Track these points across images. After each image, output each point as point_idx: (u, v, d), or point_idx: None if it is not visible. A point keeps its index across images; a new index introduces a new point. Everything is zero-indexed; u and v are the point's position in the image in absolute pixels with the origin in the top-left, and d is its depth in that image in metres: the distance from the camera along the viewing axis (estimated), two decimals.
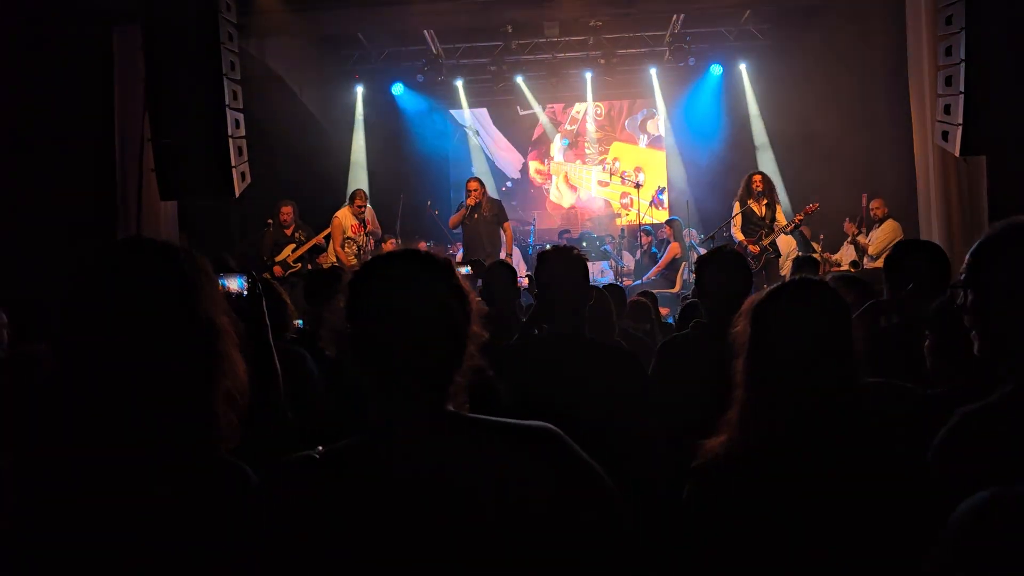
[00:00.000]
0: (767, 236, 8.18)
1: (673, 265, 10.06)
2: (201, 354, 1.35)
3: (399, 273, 1.42)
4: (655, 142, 13.97)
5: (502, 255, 8.73)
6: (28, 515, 1.27)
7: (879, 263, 8.60)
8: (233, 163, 6.81)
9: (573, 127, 14.14)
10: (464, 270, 6.66)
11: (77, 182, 7.16)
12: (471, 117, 14.05)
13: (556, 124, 14.18)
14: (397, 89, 13.04)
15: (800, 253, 8.65)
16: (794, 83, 10.85)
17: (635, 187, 11.05)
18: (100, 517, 1.27)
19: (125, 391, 1.30)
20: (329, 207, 9.35)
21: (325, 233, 9.05)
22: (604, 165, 14.02)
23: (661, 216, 12.75)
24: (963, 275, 1.65)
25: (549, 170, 14.23)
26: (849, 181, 9.95)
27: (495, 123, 14.21)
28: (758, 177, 8.45)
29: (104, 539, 1.26)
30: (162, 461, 1.31)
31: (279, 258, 8.74)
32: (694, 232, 10.58)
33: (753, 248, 8.05)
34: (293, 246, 8.84)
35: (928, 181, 8.05)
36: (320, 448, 1.37)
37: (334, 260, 9.04)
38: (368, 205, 9.25)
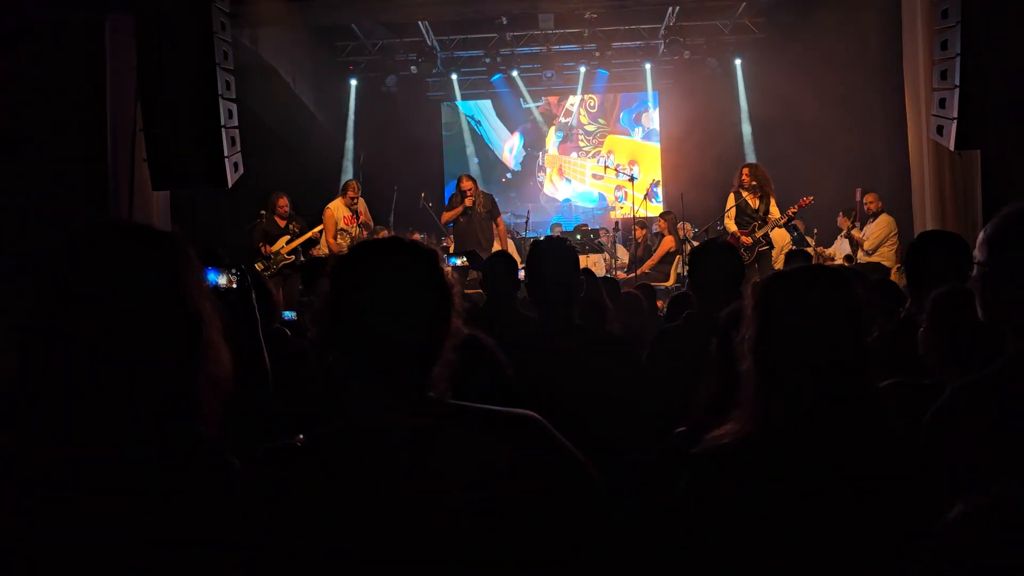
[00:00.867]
0: (760, 228, 8.18)
1: (667, 258, 10.05)
2: (185, 341, 1.33)
3: (382, 260, 1.42)
4: (650, 135, 13.96)
5: (497, 247, 8.73)
6: (6, 510, 1.24)
7: (874, 257, 8.61)
8: (226, 153, 6.78)
9: (568, 120, 14.12)
10: (459, 261, 6.67)
11: (68, 172, 7.12)
12: (473, 108, 14.02)
13: (551, 117, 14.16)
14: (391, 81, 13.00)
15: (794, 247, 8.65)
16: (788, 76, 10.83)
17: (629, 180, 11.03)
18: (82, 509, 1.25)
19: (105, 379, 1.27)
20: (321, 198, 9.31)
21: (320, 227, 9.02)
22: (599, 158, 14.01)
23: (655, 209, 12.74)
24: (979, 260, 1.67)
25: (543, 163, 14.21)
26: (843, 175, 9.96)
27: (497, 114, 14.18)
28: (747, 169, 8.44)
29: (86, 532, 1.25)
30: (145, 450, 1.29)
31: (272, 249, 8.70)
32: (688, 225, 10.56)
33: (745, 239, 8.05)
34: (287, 238, 8.79)
35: (922, 175, 8.05)
36: (301, 436, 1.37)
37: (327, 251, 9.01)
38: (361, 197, 9.21)
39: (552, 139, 14.21)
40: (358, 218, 9.14)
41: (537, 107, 14.00)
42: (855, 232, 9.00)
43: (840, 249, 9.41)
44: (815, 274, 1.69)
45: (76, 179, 7.20)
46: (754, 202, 8.27)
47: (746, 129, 12.52)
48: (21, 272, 1.52)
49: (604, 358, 2.79)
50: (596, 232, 11.28)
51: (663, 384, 2.92)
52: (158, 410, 1.31)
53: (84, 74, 7.26)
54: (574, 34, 12.25)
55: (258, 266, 8.43)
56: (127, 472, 1.28)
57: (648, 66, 12.94)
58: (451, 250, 8.85)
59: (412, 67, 12.45)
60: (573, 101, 13.97)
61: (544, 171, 14.26)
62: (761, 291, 1.65)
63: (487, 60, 12.63)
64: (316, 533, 1.31)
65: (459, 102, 13.90)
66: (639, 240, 10.80)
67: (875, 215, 8.87)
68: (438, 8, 9.51)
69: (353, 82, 12.79)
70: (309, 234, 8.94)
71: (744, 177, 8.31)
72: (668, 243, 10.07)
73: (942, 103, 6.88)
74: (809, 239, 9.56)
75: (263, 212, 8.90)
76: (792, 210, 8.33)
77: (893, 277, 7.72)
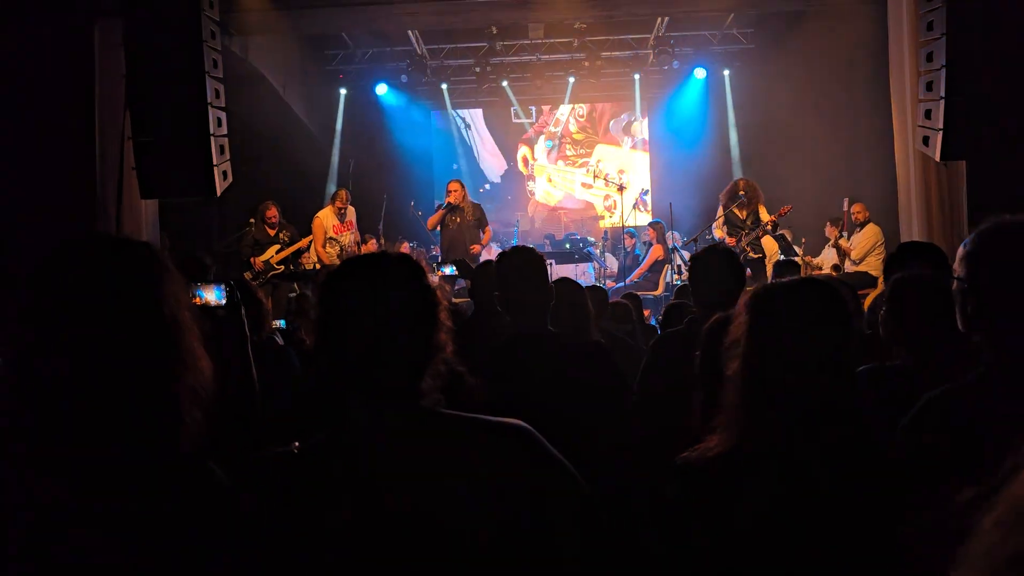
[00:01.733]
0: (746, 236, 8.27)
1: (656, 267, 10.08)
2: (163, 350, 1.33)
3: (370, 274, 1.45)
4: (639, 145, 14.01)
5: (476, 249, 8.74)
6: None
7: (860, 267, 8.66)
8: (215, 162, 6.76)
9: (557, 129, 14.16)
10: (449, 270, 6.67)
11: (56, 180, 7.08)
12: (463, 117, 14.05)
13: (542, 126, 14.19)
14: (381, 89, 13.01)
15: (782, 256, 8.69)
16: (777, 87, 10.91)
17: (619, 189, 11.07)
18: (60, 517, 1.24)
19: (81, 389, 1.27)
20: (311, 206, 9.30)
21: (310, 238, 9.01)
22: (588, 167, 14.05)
23: (644, 218, 12.77)
24: (959, 275, 1.69)
25: (532, 172, 14.24)
26: (831, 185, 10.02)
27: (486, 124, 14.20)
28: (742, 183, 8.54)
29: (65, 541, 1.24)
30: (125, 459, 1.29)
31: (262, 258, 8.67)
32: (677, 235, 10.60)
33: (730, 241, 8.18)
34: (277, 247, 8.76)
35: (909, 186, 8.11)
36: (296, 443, 1.40)
37: (316, 260, 9.00)
38: (350, 205, 9.20)
39: (541, 148, 14.24)
40: (348, 227, 9.13)
41: (529, 123, 14.03)
42: (842, 242, 9.04)
43: (827, 258, 9.45)
44: (809, 288, 1.71)
45: (64, 187, 7.17)
46: (742, 213, 8.34)
47: (734, 139, 12.59)
48: (7, 281, 1.51)
49: (579, 365, 2.80)
50: (586, 241, 11.31)
51: (661, 390, 2.93)
52: (136, 419, 1.30)
53: (73, 81, 7.24)
54: (564, 44, 12.30)
55: (247, 275, 8.41)
56: (105, 481, 1.27)
57: (637, 76, 13.00)
58: (440, 259, 8.86)
59: (402, 76, 12.46)
60: (563, 111, 14.01)
61: (534, 180, 14.29)
62: (754, 303, 1.67)
63: (477, 69, 12.66)
64: (310, 539, 1.32)
65: (447, 110, 13.92)
66: (628, 249, 10.83)
67: (862, 225, 8.92)
68: (428, 17, 9.52)
69: (343, 91, 12.78)
70: (299, 244, 8.92)
71: (740, 191, 8.40)
72: (657, 252, 10.10)
73: (928, 114, 6.94)
74: (797, 248, 9.61)
75: (252, 221, 8.88)
76: (772, 218, 8.40)
77: (879, 287, 7.76)
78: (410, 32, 11.32)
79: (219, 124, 6.95)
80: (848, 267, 8.84)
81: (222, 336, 2.09)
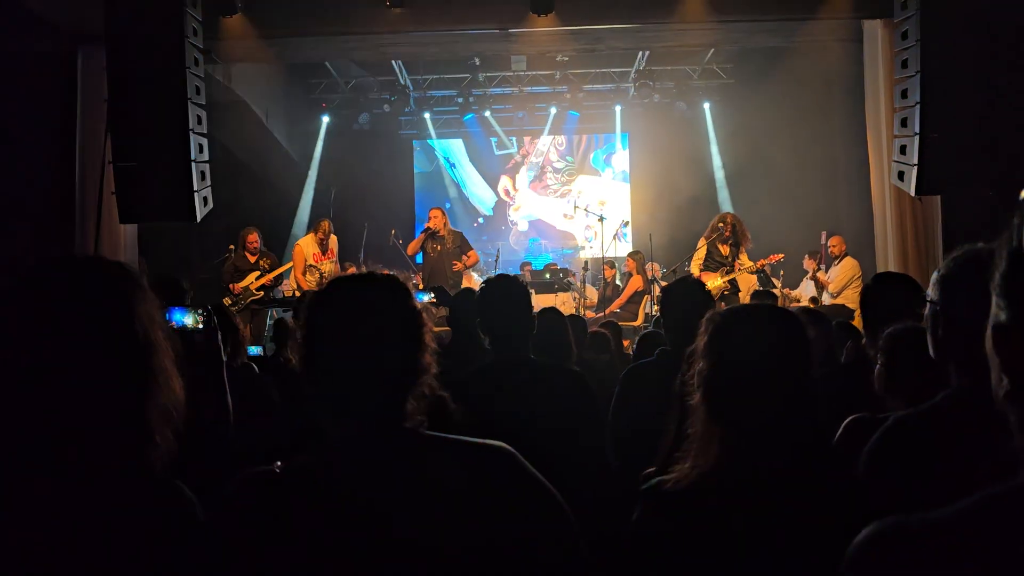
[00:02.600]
0: (728, 273, 8.29)
1: (635, 298, 10.11)
2: (135, 368, 1.33)
3: (355, 294, 1.45)
4: (619, 176, 14.12)
5: (458, 266, 8.75)
6: None
7: (838, 300, 8.74)
8: (195, 187, 6.76)
9: (539, 160, 14.25)
10: (426, 296, 6.66)
11: (36, 203, 7.05)
12: (446, 148, 14.11)
13: (524, 157, 14.28)
14: (364, 118, 13.06)
15: (760, 287, 8.75)
16: (756, 120, 11.06)
17: (599, 220, 11.13)
18: (28, 538, 1.23)
19: (53, 407, 1.27)
20: (292, 234, 9.29)
21: (289, 264, 8.98)
22: (569, 198, 14.13)
23: (624, 249, 12.84)
24: (932, 299, 1.73)
25: (515, 201, 14.31)
26: (809, 218, 10.13)
27: (469, 157, 14.27)
28: (730, 218, 8.56)
29: (33, 560, 1.22)
30: (94, 479, 1.28)
31: (242, 284, 8.61)
32: (656, 266, 10.66)
33: (709, 277, 8.18)
34: (257, 273, 8.71)
35: (885, 220, 8.22)
36: (279, 463, 1.39)
37: (295, 288, 8.96)
38: (333, 234, 9.20)
39: (523, 178, 14.32)
40: (328, 256, 9.12)
41: (512, 153, 14.11)
42: (820, 274, 9.13)
43: (806, 291, 9.53)
44: (764, 313, 1.73)
45: (44, 211, 7.13)
46: (724, 250, 8.38)
47: (714, 171, 12.72)
48: None
49: (557, 393, 2.82)
50: (565, 271, 11.34)
51: (632, 420, 2.95)
52: (106, 437, 1.30)
53: (55, 103, 7.23)
54: (546, 76, 12.43)
55: (226, 300, 8.36)
56: (73, 499, 1.26)
57: (618, 108, 13.14)
58: (420, 286, 8.85)
59: (385, 105, 12.53)
60: (545, 141, 14.12)
61: (516, 209, 14.35)
62: (712, 327, 1.69)
63: (459, 100, 12.75)
64: (290, 562, 1.31)
65: (432, 141, 13.98)
66: (608, 280, 10.87)
67: (839, 258, 9.01)
68: (412, 48, 9.60)
69: (325, 119, 12.82)
70: (279, 270, 8.88)
71: (726, 229, 8.42)
72: (636, 283, 10.14)
73: (903, 149, 7.06)
74: (775, 280, 9.68)
75: (232, 247, 8.84)
76: (762, 262, 8.46)
77: (857, 319, 7.83)
78: (393, 62, 11.40)
79: (201, 150, 6.96)
80: (826, 300, 8.92)
81: (198, 361, 2.09)
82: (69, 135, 7.44)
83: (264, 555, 1.32)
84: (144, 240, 8.02)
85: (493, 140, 14.07)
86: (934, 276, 1.74)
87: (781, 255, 8.63)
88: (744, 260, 8.44)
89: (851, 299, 8.69)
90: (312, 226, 9.27)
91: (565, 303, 10.51)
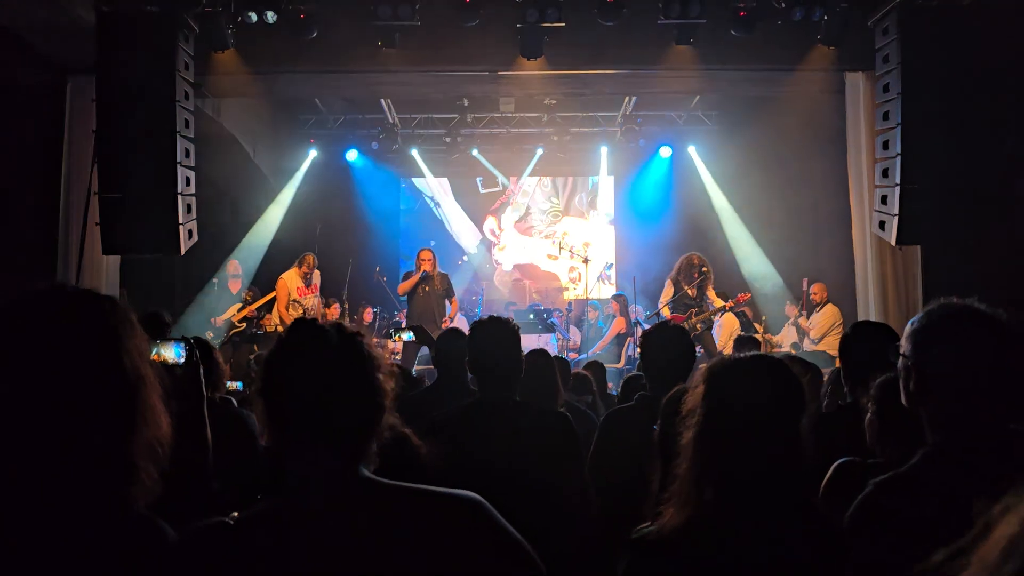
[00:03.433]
0: (696, 315, 8.33)
1: (618, 340, 10.13)
2: (123, 404, 1.32)
3: (309, 345, 1.47)
4: (604, 219, 14.22)
5: (446, 323, 8.74)
6: None
7: (820, 346, 8.79)
8: (181, 220, 6.75)
9: (525, 200, 14.33)
10: (407, 336, 6.64)
11: (18, 232, 7.00)
12: (432, 187, 14.16)
13: (510, 197, 14.35)
14: (351, 155, 13.11)
15: (742, 332, 8.80)
16: (740, 167, 11.20)
17: (583, 262, 11.19)
18: (12, 571, 1.21)
19: (39, 441, 1.25)
20: (276, 268, 9.25)
21: (272, 295, 8.92)
22: (553, 239, 14.20)
23: (608, 291, 12.89)
24: (905, 352, 1.73)
25: (500, 242, 14.36)
26: (791, 265, 10.22)
27: (455, 195, 14.32)
28: (696, 259, 8.61)
29: None
30: (77, 513, 1.26)
31: (224, 317, 8.56)
32: (640, 308, 10.71)
33: (680, 319, 8.21)
34: (239, 305, 8.67)
35: (866, 268, 8.30)
36: (235, 514, 1.39)
37: (277, 322, 8.91)
38: (317, 269, 9.18)
39: (509, 218, 14.39)
40: (312, 291, 9.09)
41: (496, 191, 14.19)
42: (802, 320, 9.19)
43: (787, 336, 9.59)
44: (765, 368, 1.72)
45: (26, 240, 7.08)
46: (692, 291, 8.42)
47: (697, 217, 12.82)
48: None
49: (542, 433, 2.81)
50: (550, 312, 11.36)
51: (611, 464, 2.96)
52: (90, 474, 1.29)
53: (42, 136, 7.23)
54: (533, 118, 12.55)
55: (208, 334, 8.30)
56: (57, 536, 1.25)
57: (604, 151, 13.27)
58: (403, 325, 8.83)
59: (373, 143, 12.59)
60: (530, 181, 14.21)
61: (500, 249, 14.40)
62: (710, 378, 1.69)
63: (447, 139, 12.84)
64: None
65: (417, 179, 14.04)
66: (591, 321, 10.90)
67: (821, 305, 9.09)
68: (401, 87, 9.68)
69: (312, 152, 12.81)
70: (260, 302, 8.84)
71: (688, 269, 8.48)
72: (619, 325, 10.17)
73: (884, 199, 7.16)
74: (757, 325, 9.74)
75: (215, 280, 8.80)
76: (730, 303, 8.52)
77: (837, 365, 7.86)
78: (382, 100, 11.49)
79: (188, 183, 6.96)
80: (807, 346, 8.97)
81: (179, 395, 2.07)
82: (55, 166, 7.43)
83: None
84: (126, 271, 7.97)
85: (479, 180, 14.14)
86: (907, 329, 1.75)
87: (748, 294, 8.71)
88: (713, 299, 8.50)
89: (832, 346, 8.75)
90: (297, 261, 9.21)
91: (548, 344, 10.52)
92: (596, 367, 6.02)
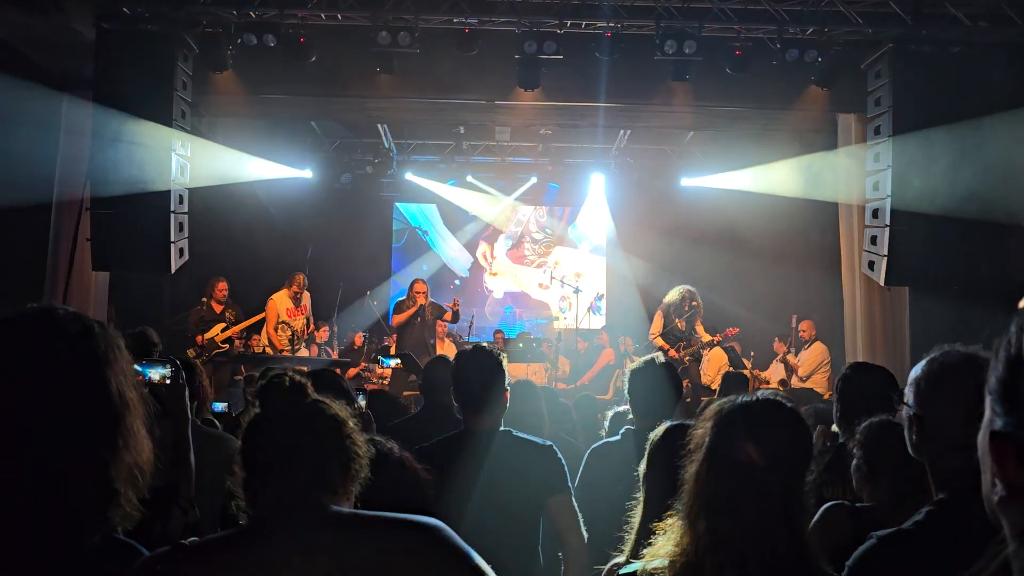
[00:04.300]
0: (685, 349, 8.35)
1: (606, 371, 10.12)
2: (106, 428, 1.32)
3: (283, 411, 1.54)
4: (596, 249, 14.26)
5: (444, 344, 8.76)
6: None
7: (807, 384, 8.81)
8: (172, 238, 6.75)
9: (519, 229, 14.36)
10: (393, 362, 6.63)
11: (8, 245, 6.97)
12: (421, 214, 14.19)
13: (503, 224, 14.37)
14: (346, 179, 13.12)
15: (731, 368, 8.80)
16: (732, 201, 11.25)
17: (574, 292, 11.21)
18: None
19: (21, 463, 1.24)
20: (266, 289, 9.20)
21: (259, 317, 8.86)
22: (545, 268, 14.22)
23: (598, 322, 12.90)
24: (907, 401, 1.72)
25: (491, 268, 14.37)
26: (780, 301, 10.26)
27: (444, 221, 14.34)
28: (688, 293, 8.63)
29: None
30: (54, 536, 1.25)
31: (207, 336, 8.46)
32: (629, 340, 10.71)
33: (673, 353, 8.21)
34: (223, 325, 8.57)
35: (855, 307, 8.35)
36: (192, 539, 1.43)
37: (266, 343, 8.86)
38: (306, 290, 9.14)
39: (501, 246, 14.42)
40: (302, 312, 9.04)
41: (487, 220, 14.22)
42: (790, 357, 9.21)
43: (775, 373, 9.60)
44: (777, 414, 1.66)
45: (13, 256, 7.05)
46: (681, 324, 8.44)
47: (689, 249, 12.86)
48: None
49: (526, 463, 2.82)
50: (538, 341, 11.34)
51: (595, 497, 2.95)
52: (70, 496, 1.28)
53: (36, 148, 7.22)
54: (529, 147, 12.62)
55: (190, 352, 8.22)
56: (35, 560, 1.24)
57: (597, 182, 13.32)
58: (391, 351, 8.81)
59: (368, 167, 12.63)
60: (525, 212, 14.25)
61: (492, 275, 14.40)
62: (719, 419, 1.65)
63: (442, 166, 12.89)
64: None
65: (409, 206, 14.06)
66: (581, 352, 10.89)
67: (809, 342, 9.11)
68: (399, 113, 9.75)
69: (307, 172, 12.80)
70: (245, 324, 8.75)
71: (679, 302, 8.50)
72: (607, 356, 10.17)
73: (873, 240, 7.21)
74: (746, 361, 9.75)
75: (204, 299, 8.72)
76: (718, 337, 8.54)
77: (826, 398, 7.87)
78: (379, 125, 11.54)
79: (180, 201, 6.96)
80: (795, 383, 8.98)
81: (163, 415, 2.06)
82: (47, 181, 7.41)
83: None
84: (115, 289, 7.94)
85: (468, 212, 14.15)
86: (911, 377, 1.73)
87: (736, 328, 8.73)
88: (701, 333, 8.52)
89: (819, 383, 8.77)
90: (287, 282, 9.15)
91: (536, 373, 10.49)
92: (584, 401, 6.01)
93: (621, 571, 1.69)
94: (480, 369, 2.93)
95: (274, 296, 8.91)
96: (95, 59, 6.96)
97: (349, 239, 13.08)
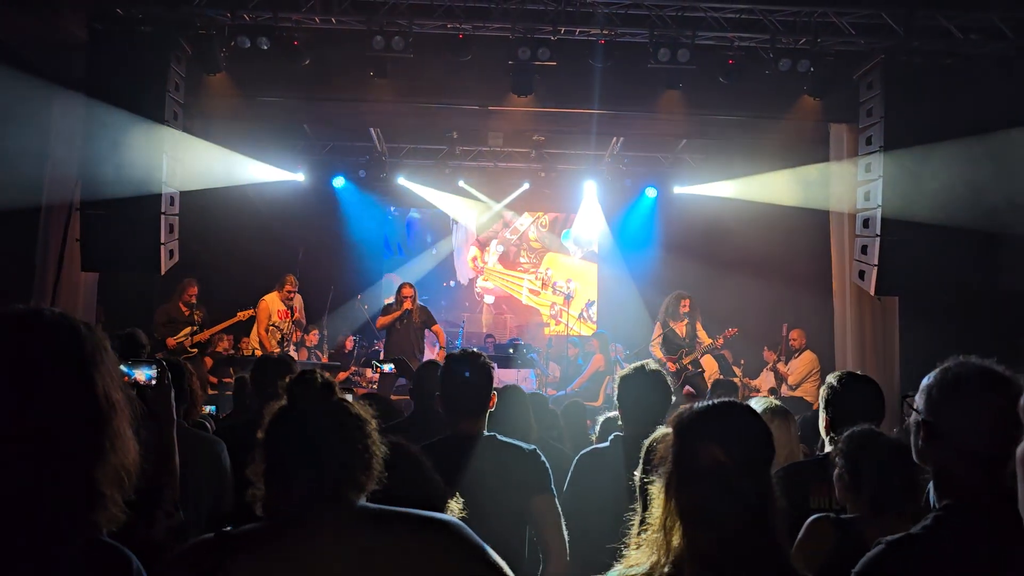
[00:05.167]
0: (688, 355, 8.35)
1: (596, 378, 10.12)
2: (92, 430, 1.31)
3: (305, 415, 1.59)
4: (588, 256, 14.27)
5: (435, 352, 8.75)
6: None
7: (796, 392, 8.83)
8: (163, 240, 6.73)
9: (514, 237, 14.35)
10: (387, 367, 6.62)
11: None
12: (412, 218, 14.18)
13: (498, 231, 14.37)
14: (338, 182, 13.10)
15: (721, 376, 8.81)
16: (724, 210, 11.27)
17: (565, 299, 11.22)
18: None
19: (6, 465, 1.23)
20: (257, 291, 9.16)
21: (232, 320, 8.75)
22: (536, 274, 14.22)
23: (589, 329, 12.90)
24: (917, 408, 1.73)
25: (483, 273, 14.36)
26: (771, 310, 10.27)
27: (437, 225, 14.33)
28: (687, 301, 8.66)
29: None
30: (40, 538, 1.25)
31: (176, 339, 8.33)
32: (620, 347, 10.71)
33: (672, 366, 8.19)
34: (190, 329, 8.41)
35: (845, 316, 8.37)
36: (228, 528, 1.46)
37: (256, 346, 8.82)
38: (298, 293, 9.11)
39: (492, 251, 14.41)
40: (292, 314, 9.01)
41: (477, 226, 14.22)
42: (780, 366, 9.23)
43: (765, 381, 9.62)
44: (732, 415, 1.70)
45: (2, 254, 7.01)
46: (682, 330, 8.46)
47: (681, 257, 12.88)
48: None
49: (512, 469, 2.82)
50: (529, 347, 11.35)
51: (582, 505, 2.95)
52: (56, 498, 1.27)
53: (26, 149, 7.17)
54: (522, 153, 12.62)
55: (158, 354, 8.08)
56: (14, 559, 1.23)
57: (590, 189, 13.33)
58: (381, 356, 8.80)
59: (360, 171, 12.61)
60: (522, 222, 14.24)
61: (484, 279, 14.39)
62: (678, 426, 1.68)
63: (435, 170, 12.89)
64: None
65: (401, 209, 14.05)
66: (571, 358, 10.89)
67: (799, 351, 9.13)
68: (392, 117, 9.74)
69: (299, 175, 12.78)
70: (216, 328, 8.64)
71: (684, 308, 8.53)
72: (598, 362, 10.17)
73: (864, 249, 7.24)
74: (736, 369, 9.76)
75: (174, 297, 8.55)
76: (719, 340, 8.55)
77: (815, 407, 7.89)
78: (372, 129, 11.53)
79: (171, 203, 6.94)
80: (784, 391, 9.00)
81: (149, 417, 2.05)
82: (37, 181, 7.37)
83: None
84: (104, 290, 7.90)
85: (452, 220, 14.14)
86: (923, 384, 1.74)
87: (735, 329, 8.76)
88: (703, 337, 8.54)
89: (809, 392, 8.78)
90: (278, 283, 9.09)
91: (527, 379, 10.49)
92: (573, 406, 6.00)
93: None
94: (465, 373, 2.93)
95: (266, 297, 8.87)
96: (88, 60, 6.94)
97: (340, 242, 13.06)
